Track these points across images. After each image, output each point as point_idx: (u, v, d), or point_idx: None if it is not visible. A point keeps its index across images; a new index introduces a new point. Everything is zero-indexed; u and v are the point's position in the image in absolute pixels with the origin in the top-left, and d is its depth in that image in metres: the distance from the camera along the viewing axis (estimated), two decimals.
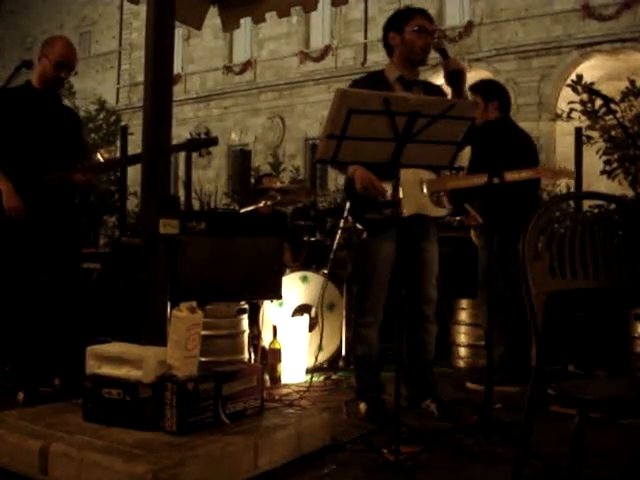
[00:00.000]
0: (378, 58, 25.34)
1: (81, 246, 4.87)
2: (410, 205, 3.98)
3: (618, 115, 6.49)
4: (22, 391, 4.04)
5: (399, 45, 4.08)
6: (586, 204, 7.15)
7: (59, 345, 4.22)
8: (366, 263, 4.07)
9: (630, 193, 7.75)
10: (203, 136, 4.23)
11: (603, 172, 8.30)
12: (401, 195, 3.94)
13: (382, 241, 3.90)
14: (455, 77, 3.90)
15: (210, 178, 28.72)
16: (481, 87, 5.14)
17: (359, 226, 4.04)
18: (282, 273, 5.12)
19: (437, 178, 4.06)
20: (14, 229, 4.15)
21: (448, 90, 3.96)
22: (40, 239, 4.22)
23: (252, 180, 9.91)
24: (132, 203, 13.45)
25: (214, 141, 4.16)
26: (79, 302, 4.53)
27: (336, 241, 5.78)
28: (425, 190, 4.04)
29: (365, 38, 27.93)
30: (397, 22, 4.11)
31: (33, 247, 4.21)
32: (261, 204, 5.75)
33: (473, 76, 23.07)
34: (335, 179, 24.75)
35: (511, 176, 4.21)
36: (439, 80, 4.32)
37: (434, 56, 4.05)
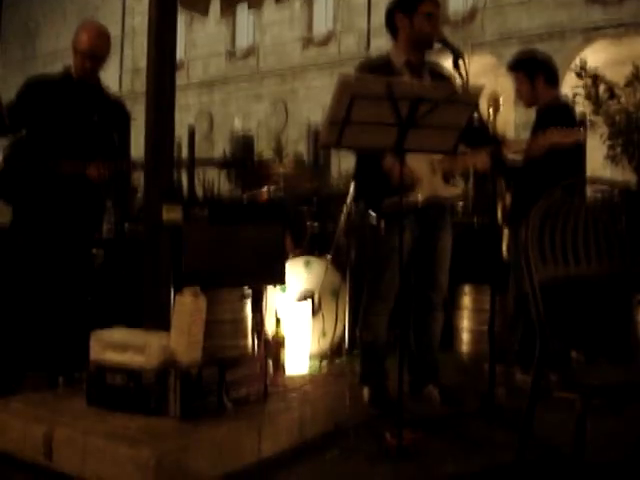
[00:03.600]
0: (381, 43, 25.26)
1: (93, 234, 4.79)
2: (424, 189, 3.97)
3: (622, 100, 6.47)
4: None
5: (407, 29, 4.00)
6: (589, 190, 7.15)
7: (62, 336, 4.18)
8: (381, 252, 4.02)
9: (633, 178, 7.75)
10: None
11: (607, 157, 8.29)
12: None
13: (397, 229, 3.58)
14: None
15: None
16: (521, 64, 4.83)
17: (374, 214, 3.99)
18: (285, 258, 5.12)
19: (447, 157, 3.97)
20: (33, 218, 4.11)
21: (455, 74, 3.89)
22: (56, 228, 4.15)
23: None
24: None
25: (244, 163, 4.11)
26: (86, 292, 4.51)
27: (339, 227, 5.78)
28: (437, 171, 4.02)
29: (368, 23, 27.83)
30: (407, 4, 4.01)
31: (49, 237, 4.13)
32: (264, 189, 5.74)
33: (477, 61, 22.99)
34: (338, 165, 24.74)
35: (513, 148, 4.18)
36: (445, 64, 4.27)
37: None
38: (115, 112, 4.54)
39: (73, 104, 4.27)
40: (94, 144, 4.27)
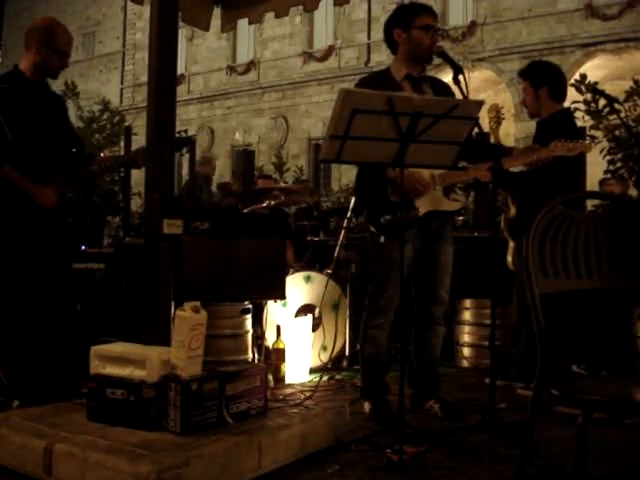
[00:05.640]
0: (382, 58, 25.43)
1: (71, 248, 4.74)
2: (425, 202, 3.97)
3: (622, 115, 6.48)
4: (16, 399, 3.89)
5: (405, 42, 4.02)
6: (590, 204, 7.16)
7: (49, 351, 4.12)
8: (382, 266, 4.01)
9: (634, 192, 7.75)
10: (182, 134, 4.13)
11: (607, 172, 8.30)
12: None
13: (398, 243, 3.56)
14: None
15: (214, 178, 28.72)
16: (527, 74, 4.84)
17: (374, 229, 3.99)
18: (286, 273, 5.12)
19: (447, 172, 3.96)
20: (17, 234, 4.00)
21: (455, 88, 3.90)
22: (38, 243, 4.06)
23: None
24: (136, 203, 13.49)
25: (189, 140, 4.06)
26: (72, 306, 4.46)
27: (340, 241, 5.78)
28: (437, 185, 4.02)
29: (368, 38, 27.95)
30: (403, 18, 4.03)
31: (32, 251, 4.04)
32: (264, 204, 5.75)
33: (477, 76, 23.05)
34: (339, 179, 24.77)
35: (513, 163, 4.19)
36: (445, 79, 4.29)
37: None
38: (59, 104, 4.43)
39: (38, 105, 4.14)
40: (64, 142, 4.23)
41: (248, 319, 5.06)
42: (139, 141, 4.44)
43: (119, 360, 3.13)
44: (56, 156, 4.16)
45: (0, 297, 4.04)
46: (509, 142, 21.41)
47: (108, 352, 3.21)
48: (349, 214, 5.78)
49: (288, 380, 4.98)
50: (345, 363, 5.54)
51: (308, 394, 4.49)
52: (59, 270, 4.20)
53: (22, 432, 3.04)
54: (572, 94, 7.18)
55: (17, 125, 4.00)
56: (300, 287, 5.48)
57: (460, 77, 3.73)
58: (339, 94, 3.12)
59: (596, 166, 8.61)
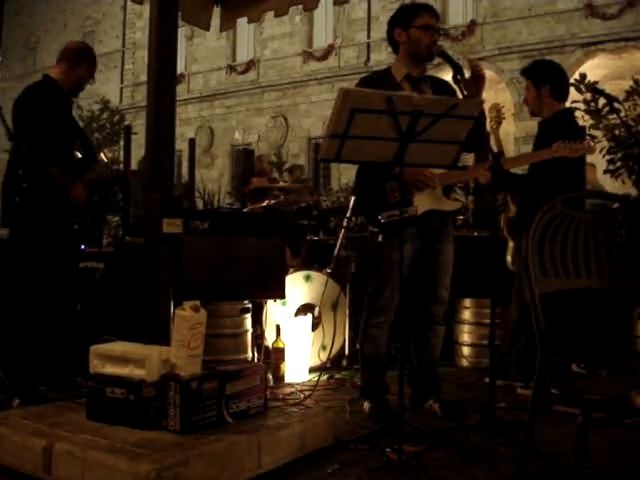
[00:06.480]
0: (381, 57, 25.43)
1: (79, 247, 4.83)
2: (424, 202, 3.97)
3: (622, 114, 6.48)
4: (17, 397, 3.93)
5: (405, 42, 4.02)
6: (589, 203, 7.14)
7: (50, 350, 4.16)
8: (381, 265, 4.01)
9: (633, 192, 7.76)
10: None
11: (607, 171, 8.31)
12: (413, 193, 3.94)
13: (397, 242, 3.55)
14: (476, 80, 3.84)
15: (213, 178, 28.74)
16: (530, 72, 4.83)
17: (373, 228, 3.99)
18: (285, 272, 5.12)
19: (447, 172, 3.96)
20: (53, 235, 4.16)
21: (455, 87, 3.90)
22: (65, 243, 4.26)
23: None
24: None
25: (123, 179, 4.60)
26: (79, 302, 4.50)
27: (339, 240, 5.78)
28: (437, 185, 4.02)
29: (368, 37, 27.95)
30: (403, 18, 4.04)
31: (60, 250, 4.22)
32: (264, 203, 5.75)
33: None
34: (338, 178, 24.76)
35: (514, 163, 4.17)
36: (445, 78, 4.28)
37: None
38: None
39: (71, 116, 4.48)
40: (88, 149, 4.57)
41: (248, 318, 5.05)
42: (139, 140, 4.46)
43: (119, 359, 3.13)
44: (84, 161, 4.44)
45: (7, 296, 4.09)
46: (509, 141, 21.45)
47: (108, 351, 3.21)
48: (349, 213, 5.77)
49: (288, 379, 4.98)
50: (344, 362, 5.53)
51: (307, 393, 4.49)
52: (68, 270, 4.25)
53: (22, 431, 3.04)
54: (572, 93, 7.18)
55: (62, 130, 4.26)
56: (300, 286, 5.48)
57: (460, 76, 3.73)
58: (339, 93, 3.12)
59: (596, 165, 8.60)
